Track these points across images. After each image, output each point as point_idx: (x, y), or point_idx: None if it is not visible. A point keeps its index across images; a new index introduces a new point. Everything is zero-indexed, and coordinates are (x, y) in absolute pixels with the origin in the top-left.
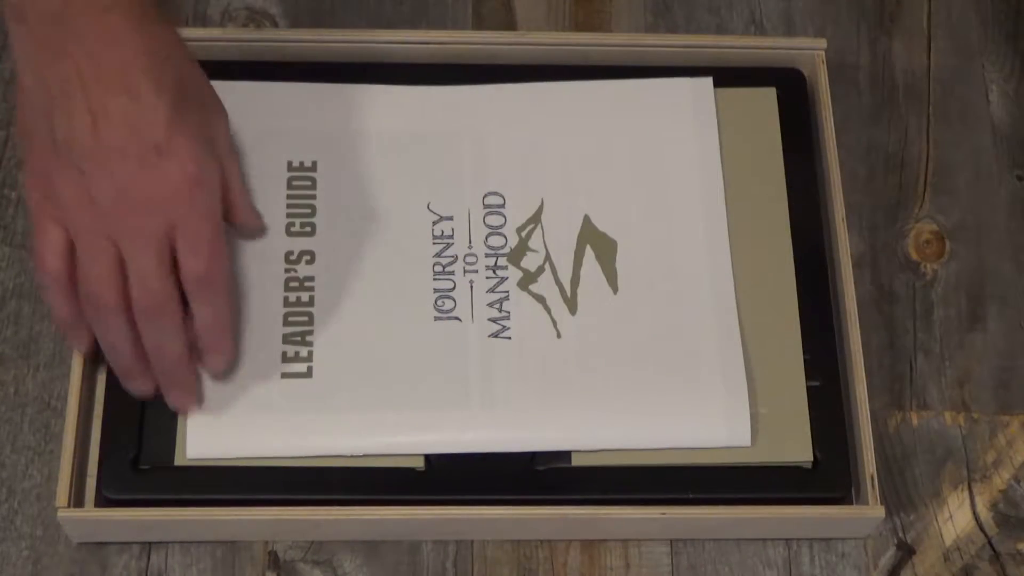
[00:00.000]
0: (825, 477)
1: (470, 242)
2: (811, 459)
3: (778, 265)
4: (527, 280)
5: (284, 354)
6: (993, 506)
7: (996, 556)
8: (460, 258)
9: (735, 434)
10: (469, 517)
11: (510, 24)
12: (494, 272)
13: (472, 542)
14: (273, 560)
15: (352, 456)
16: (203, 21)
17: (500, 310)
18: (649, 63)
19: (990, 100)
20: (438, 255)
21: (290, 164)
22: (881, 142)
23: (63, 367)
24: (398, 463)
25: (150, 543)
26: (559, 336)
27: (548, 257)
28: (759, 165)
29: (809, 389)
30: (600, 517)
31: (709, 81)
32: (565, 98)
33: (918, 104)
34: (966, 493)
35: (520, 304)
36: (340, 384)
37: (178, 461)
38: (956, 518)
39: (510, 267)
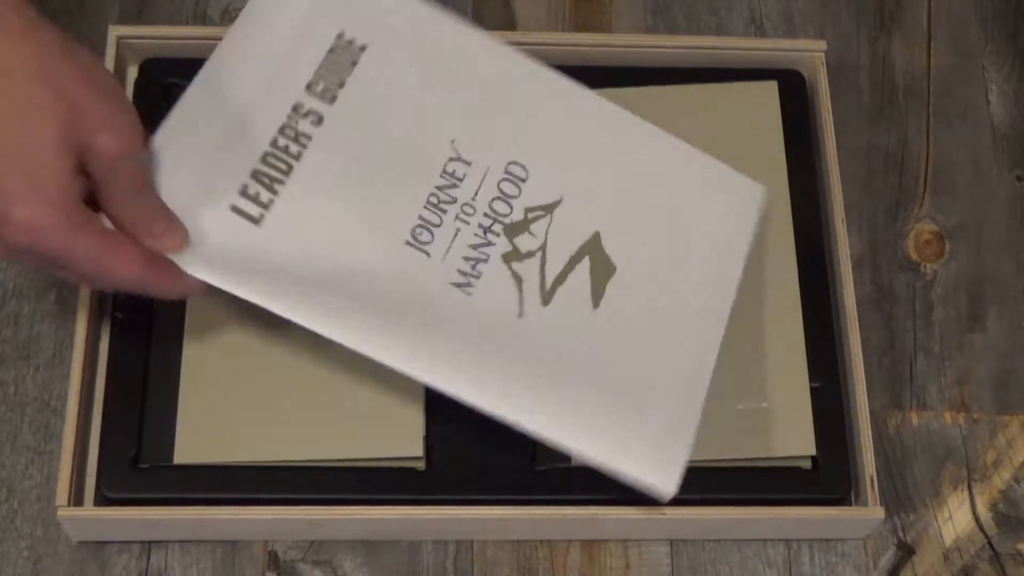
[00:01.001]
0: (825, 478)
1: (475, 195)
2: (813, 452)
3: (780, 259)
4: (513, 256)
5: (245, 188)
6: (993, 506)
7: (996, 556)
8: (458, 203)
9: (656, 475)
10: (469, 517)
11: (510, 24)
12: (484, 234)
13: (472, 542)
14: (273, 560)
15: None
16: (203, 20)
17: (473, 269)
18: (649, 63)
19: (990, 100)
20: (439, 189)
21: (340, 36)
22: (881, 142)
23: (63, 367)
24: (398, 464)
25: (150, 543)
26: (520, 315)
27: (544, 247)
28: (761, 159)
29: (809, 389)
30: (600, 517)
31: (763, 190)
32: (637, 111)
33: (918, 104)
34: (966, 493)
35: (495, 273)
36: (284, 245)
37: (178, 460)
38: (956, 518)
39: (503, 237)
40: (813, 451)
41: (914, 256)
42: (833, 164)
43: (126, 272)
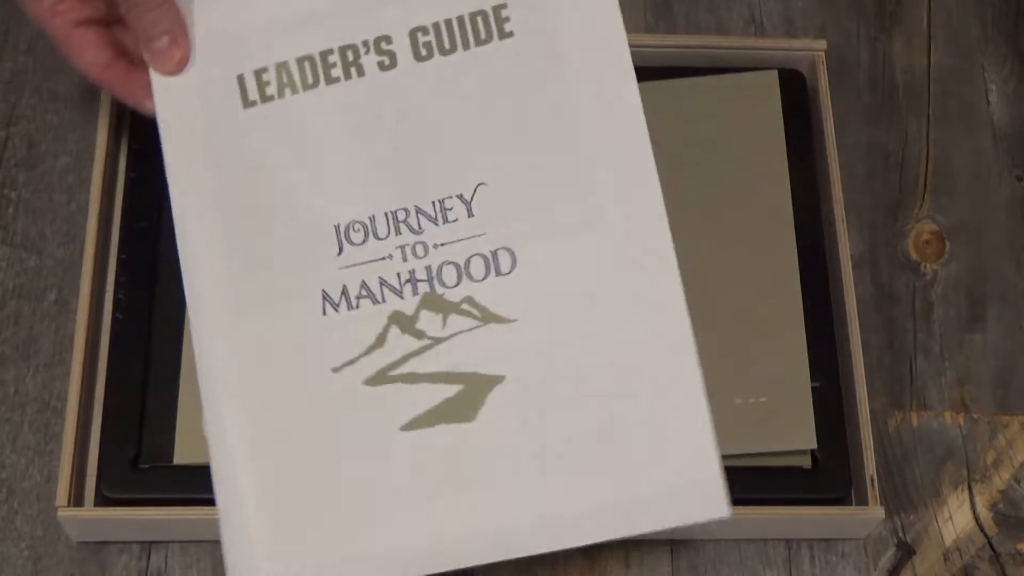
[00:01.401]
0: (825, 477)
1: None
2: (814, 446)
3: (781, 258)
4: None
5: (263, 70)
6: (993, 506)
7: (996, 556)
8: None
9: (708, 510)
10: None
11: None
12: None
13: None
14: None
15: None
16: None
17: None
18: (649, 63)
19: (990, 100)
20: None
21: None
22: (881, 142)
23: (63, 367)
24: None
25: (150, 543)
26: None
27: (445, 342)
28: (762, 152)
29: (810, 385)
30: None
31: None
32: None
33: (918, 104)
34: (966, 493)
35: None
36: (258, 141)
37: (178, 460)
38: (956, 518)
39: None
40: (814, 444)
41: (914, 256)
42: (833, 163)
43: (83, 70)
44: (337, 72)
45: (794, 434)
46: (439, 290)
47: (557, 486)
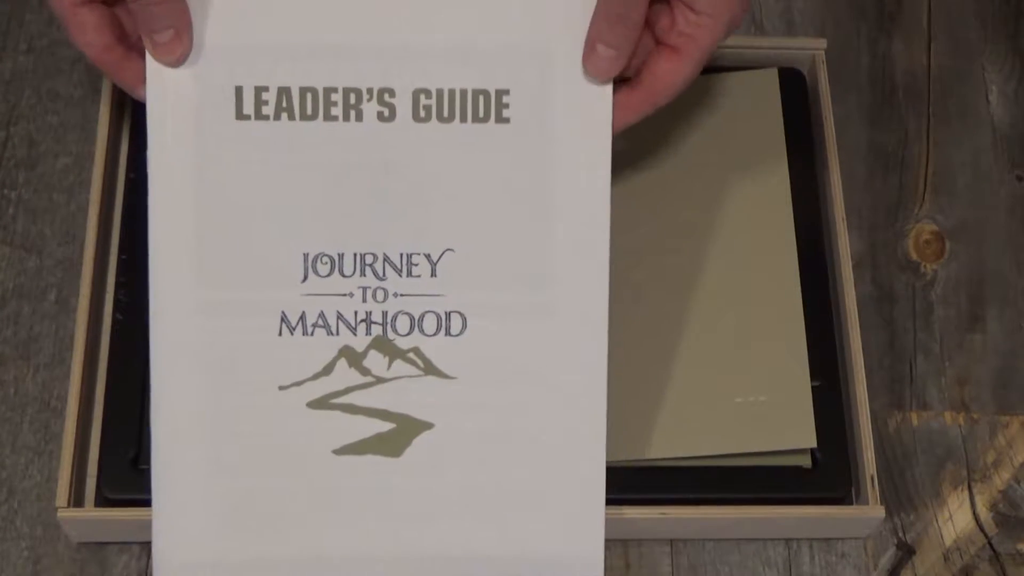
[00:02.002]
0: (825, 477)
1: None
2: (814, 444)
3: (781, 258)
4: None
5: (263, 88)
6: (993, 506)
7: (996, 556)
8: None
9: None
10: None
11: None
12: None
13: None
14: None
15: None
16: None
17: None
18: None
19: (990, 100)
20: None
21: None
22: (881, 142)
23: (63, 367)
24: None
25: (150, 543)
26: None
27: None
28: (762, 150)
29: (809, 385)
30: None
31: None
32: None
33: (918, 104)
34: (966, 493)
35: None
36: (245, 164)
37: None
38: (956, 518)
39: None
40: (814, 443)
41: (914, 256)
42: (833, 163)
43: (83, 49)
44: (337, 111)
45: (794, 433)
46: (390, 335)
47: (452, 528)
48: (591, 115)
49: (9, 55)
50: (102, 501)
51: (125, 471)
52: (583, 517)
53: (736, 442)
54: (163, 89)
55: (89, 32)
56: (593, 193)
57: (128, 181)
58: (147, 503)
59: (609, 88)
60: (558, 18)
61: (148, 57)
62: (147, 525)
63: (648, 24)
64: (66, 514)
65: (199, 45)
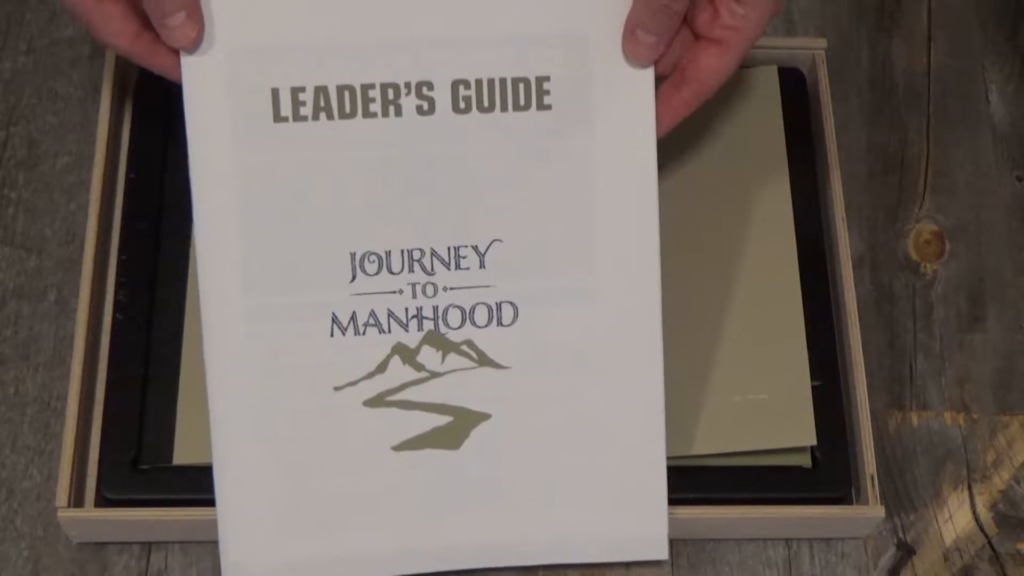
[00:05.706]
0: (825, 477)
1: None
2: (814, 442)
3: (781, 257)
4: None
5: (300, 90)
6: (993, 506)
7: (996, 556)
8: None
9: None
10: None
11: None
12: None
13: None
14: None
15: None
16: None
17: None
18: None
19: (990, 100)
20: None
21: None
22: (881, 142)
23: (63, 367)
24: None
25: (150, 543)
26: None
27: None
28: (762, 149)
29: (809, 383)
30: None
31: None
32: None
33: (918, 104)
34: (966, 493)
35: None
36: (284, 156)
37: (177, 461)
38: (956, 518)
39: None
40: (813, 440)
41: (914, 256)
42: (833, 163)
43: (111, 42)
44: (375, 107)
45: (794, 431)
46: (442, 329)
47: (515, 516)
48: (634, 98)
49: (9, 55)
50: (102, 501)
51: (125, 471)
52: (647, 497)
53: (736, 440)
54: (200, 96)
55: (117, 22)
56: (640, 174)
57: (128, 181)
58: (147, 503)
59: (651, 71)
60: (596, 2)
61: (183, 66)
62: (147, 525)
63: (685, 20)
64: (66, 514)
65: (231, 50)
